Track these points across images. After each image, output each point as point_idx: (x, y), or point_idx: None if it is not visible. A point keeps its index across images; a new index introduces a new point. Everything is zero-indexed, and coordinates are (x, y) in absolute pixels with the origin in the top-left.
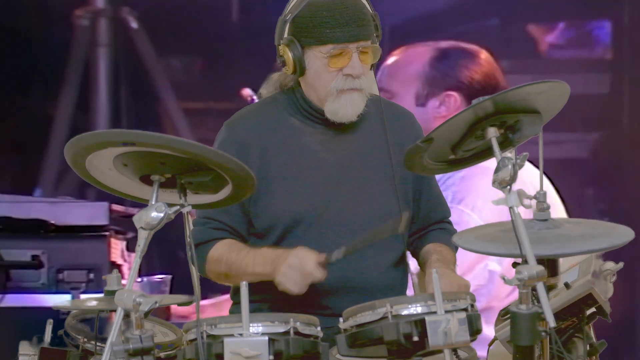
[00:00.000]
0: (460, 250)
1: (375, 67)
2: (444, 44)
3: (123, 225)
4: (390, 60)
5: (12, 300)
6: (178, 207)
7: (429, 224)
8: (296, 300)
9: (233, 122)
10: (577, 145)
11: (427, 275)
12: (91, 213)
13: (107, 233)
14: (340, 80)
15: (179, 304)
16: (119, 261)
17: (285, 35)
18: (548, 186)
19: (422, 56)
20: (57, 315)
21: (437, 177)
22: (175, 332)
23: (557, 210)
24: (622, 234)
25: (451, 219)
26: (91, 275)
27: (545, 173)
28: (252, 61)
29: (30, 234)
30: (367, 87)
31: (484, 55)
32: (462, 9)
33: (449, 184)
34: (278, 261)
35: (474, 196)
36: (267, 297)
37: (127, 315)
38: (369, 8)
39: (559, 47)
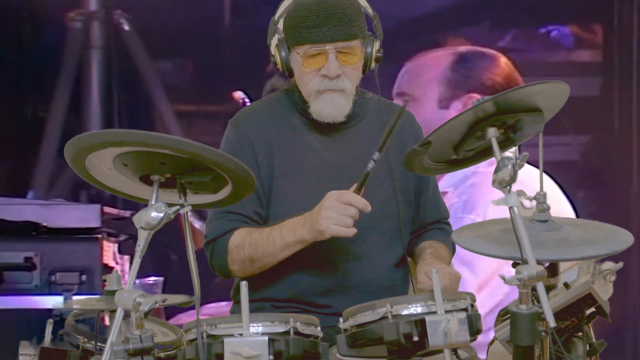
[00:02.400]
0: (478, 259)
1: (377, 66)
2: (462, 48)
3: (115, 228)
4: (409, 65)
5: (5, 302)
6: (178, 207)
7: (427, 224)
8: (298, 300)
9: (238, 120)
10: (568, 148)
11: (417, 266)
12: (83, 215)
13: (99, 235)
14: (317, 80)
15: (179, 304)
16: (111, 263)
17: (276, 35)
18: (555, 188)
19: (442, 60)
20: (50, 317)
21: (446, 189)
22: (175, 332)
23: (565, 211)
24: (622, 240)
25: None
26: (83, 277)
27: (551, 175)
28: (243, 64)
29: (23, 236)
30: (350, 88)
31: (502, 59)
32: (453, 13)
33: (459, 192)
34: (310, 219)
35: (485, 204)
36: (268, 296)
37: (127, 315)
38: (367, 10)
39: (549, 50)
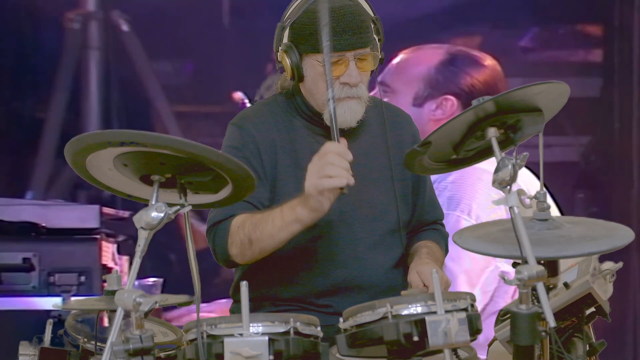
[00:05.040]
0: (468, 255)
1: (377, 68)
2: (454, 48)
3: (114, 229)
4: (399, 58)
5: (3, 303)
6: (178, 207)
7: (422, 226)
8: (298, 299)
9: (240, 121)
10: (568, 149)
11: (412, 263)
12: (82, 216)
13: (98, 236)
14: (337, 88)
15: (179, 304)
16: (110, 264)
17: (284, 41)
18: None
19: (431, 58)
20: (49, 317)
21: None
22: (175, 332)
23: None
24: (622, 236)
25: (448, 225)
26: (82, 278)
27: (537, 176)
28: (242, 65)
29: (22, 236)
30: (366, 94)
31: (489, 62)
32: (454, 13)
33: (441, 188)
34: (303, 194)
35: (469, 200)
36: (267, 295)
37: (127, 315)
38: (369, 13)
39: (549, 51)
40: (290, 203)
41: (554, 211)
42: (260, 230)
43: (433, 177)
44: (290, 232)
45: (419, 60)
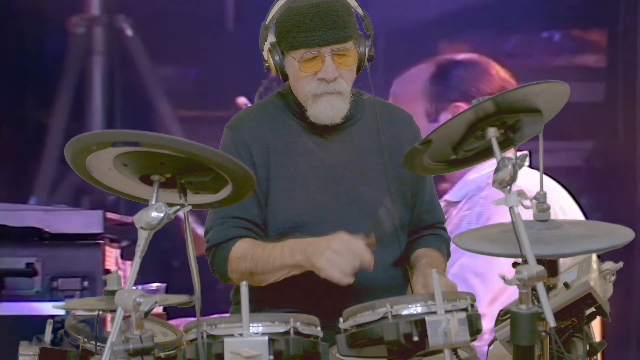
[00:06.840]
0: (492, 272)
1: (370, 65)
2: (441, 58)
3: (117, 234)
4: (396, 81)
5: (7, 308)
6: (178, 207)
7: (422, 228)
8: (296, 300)
9: (235, 123)
10: (572, 154)
11: (414, 277)
12: (86, 221)
13: (101, 241)
14: (315, 84)
15: (179, 304)
16: (113, 269)
17: (268, 40)
18: (567, 196)
19: (422, 74)
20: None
21: (458, 199)
22: (175, 332)
23: (575, 215)
24: (622, 235)
25: None
26: (85, 283)
27: (558, 181)
28: (246, 70)
29: (25, 241)
30: (347, 89)
31: (490, 65)
32: (455, 18)
33: (473, 203)
34: (311, 249)
35: (499, 217)
36: (266, 296)
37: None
38: (357, 10)
39: (553, 55)
40: (293, 245)
41: (579, 214)
42: (261, 267)
43: (466, 191)
44: (288, 273)
45: (411, 79)
